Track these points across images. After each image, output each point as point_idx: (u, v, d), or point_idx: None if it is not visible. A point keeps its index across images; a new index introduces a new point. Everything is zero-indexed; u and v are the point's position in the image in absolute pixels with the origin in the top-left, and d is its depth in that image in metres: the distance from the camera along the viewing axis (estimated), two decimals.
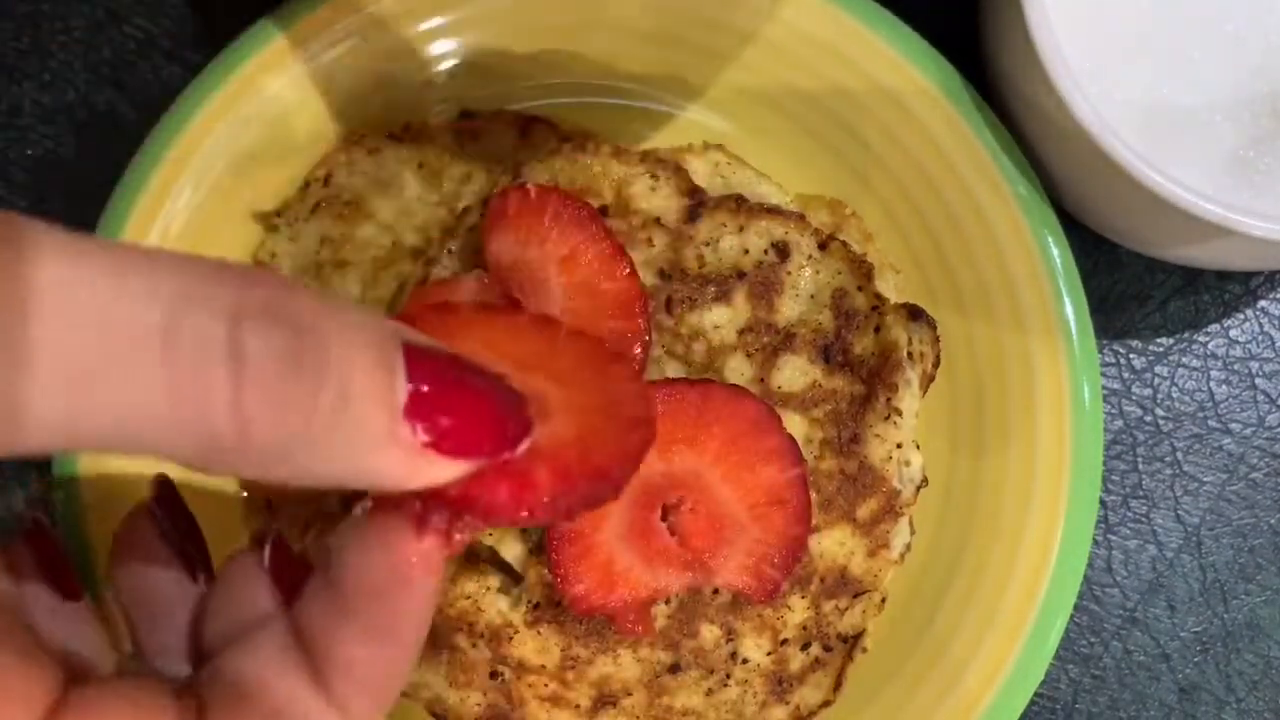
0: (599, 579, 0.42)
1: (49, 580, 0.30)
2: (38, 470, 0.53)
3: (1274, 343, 0.55)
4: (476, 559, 0.46)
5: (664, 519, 0.43)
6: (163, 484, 0.33)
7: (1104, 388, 0.54)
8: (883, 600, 0.48)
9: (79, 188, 0.54)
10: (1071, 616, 0.49)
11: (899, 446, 0.47)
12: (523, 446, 0.27)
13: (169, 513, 0.32)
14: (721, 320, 0.47)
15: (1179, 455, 0.54)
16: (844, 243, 0.48)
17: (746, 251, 0.47)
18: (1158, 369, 0.55)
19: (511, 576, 0.46)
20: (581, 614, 0.43)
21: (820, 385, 0.47)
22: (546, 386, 0.32)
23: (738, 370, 0.46)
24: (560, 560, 0.42)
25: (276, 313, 0.23)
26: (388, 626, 0.27)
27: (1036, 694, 0.49)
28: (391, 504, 0.28)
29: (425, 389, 0.25)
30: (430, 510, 0.27)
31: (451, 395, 0.26)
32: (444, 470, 0.26)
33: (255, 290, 0.23)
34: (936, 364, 0.48)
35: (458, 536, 0.28)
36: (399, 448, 0.25)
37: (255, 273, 0.24)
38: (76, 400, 0.22)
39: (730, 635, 0.46)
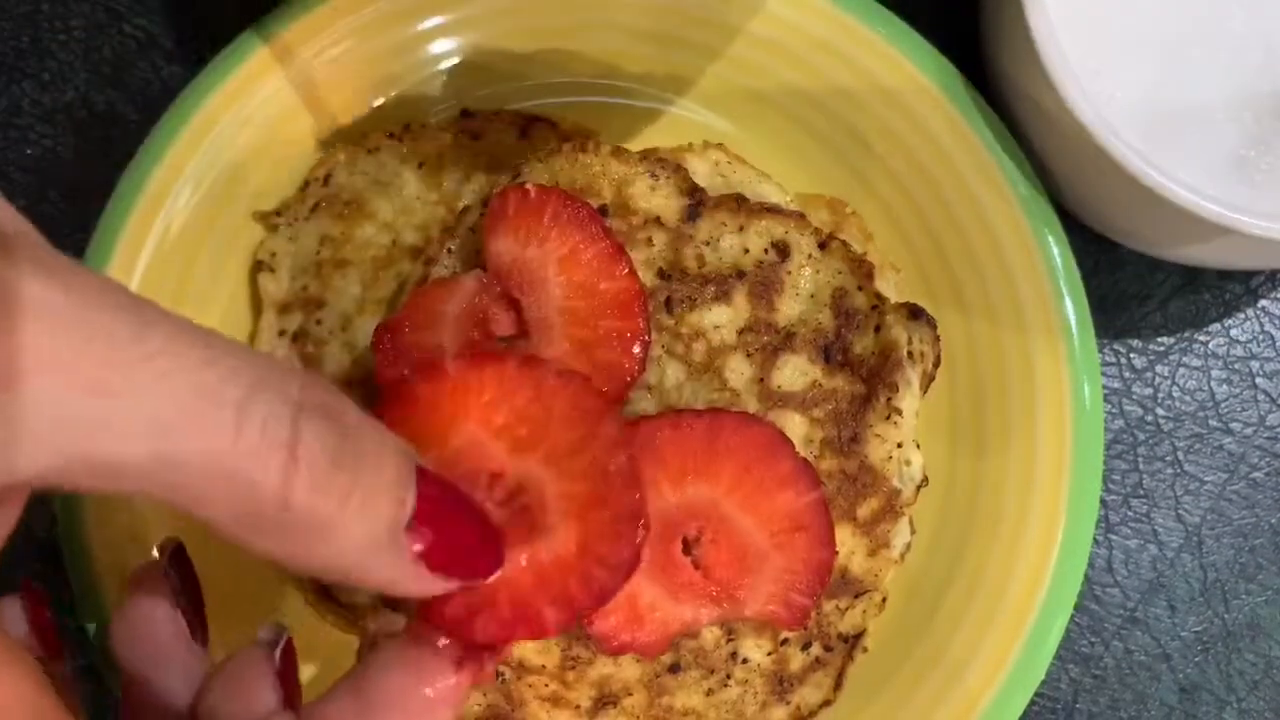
0: (625, 616, 0.42)
1: (38, 641, 0.33)
2: None
3: (1275, 342, 0.55)
4: None
5: (686, 552, 0.43)
6: (178, 548, 0.36)
7: (1105, 387, 0.54)
8: (883, 600, 0.48)
9: (79, 187, 0.54)
10: (1072, 616, 0.49)
11: (899, 446, 0.47)
12: (493, 577, 0.33)
13: (181, 576, 0.35)
14: (721, 320, 0.47)
15: (1180, 455, 0.54)
16: (844, 242, 0.48)
17: (746, 251, 0.47)
18: (1158, 368, 0.55)
19: None
20: (611, 653, 0.43)
21: (820, 385, 0.47)
22: (541, 475, 0.37)
23: (738, 370, 0.46)
24: None
25: (329, 413, 0.27)
26: None
27: (1037, 693, 0.49)
28: (429, 634, 0.32)
29: (424, 517, 0.30)
30: (468, 648, 0.32)
31: (445, 520, 0.31)
32: (430, 585, 0.31)
33: (315, 391, 0.27)
34: (937, 363, 0.48)
35: (488, 668, 0.32)
36: (398, 557, 0.29)
37: (314, 376, 0.28)
38: (156, 446, 0.25)
39: (730, 635, 0.46)
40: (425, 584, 0.30)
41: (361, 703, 0.31)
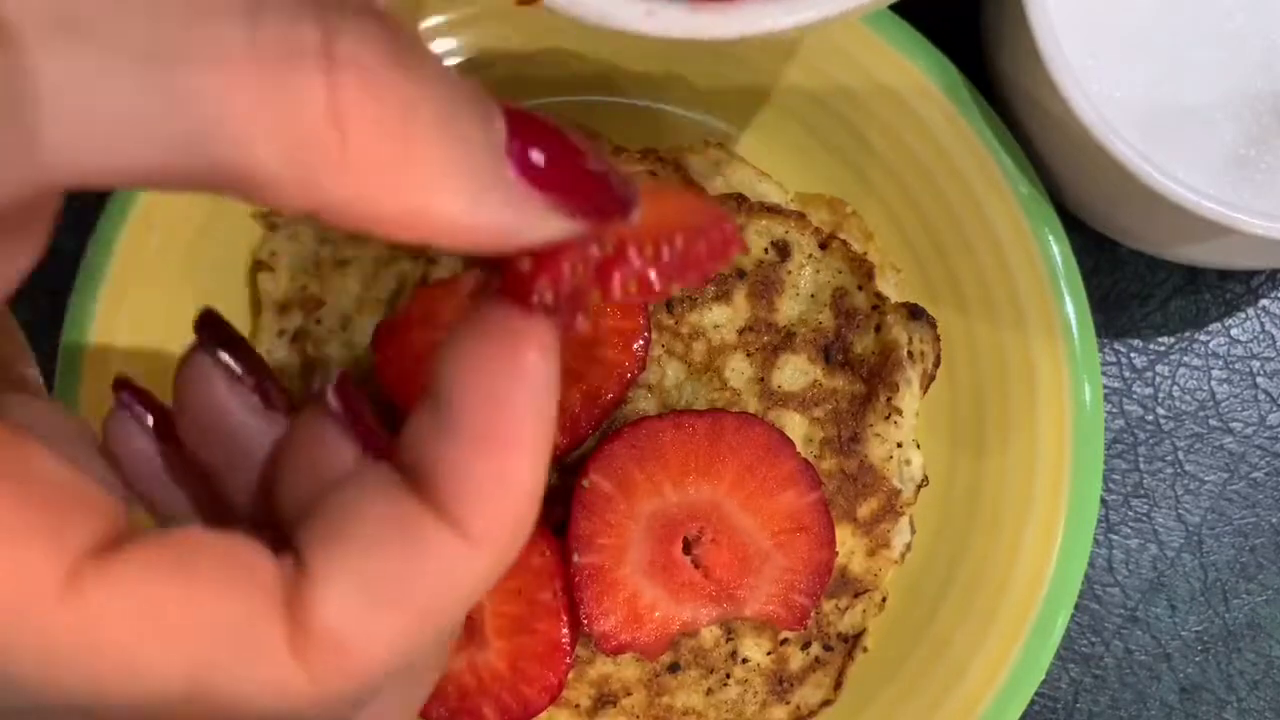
0: (625, 616, 0.42)
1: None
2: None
3: (1275, 342, 0.55)
4: None
5: (686, 552, 0.43)
6: (210, 314, 0.28)
7: (1105, 386, 0.53)
8: (883, 600, 0.48)
9: None
10: (1072, 616, 0.49)
11: (899, 446, 0.47)
12: (635, 215, 0.24)
13: (230, 346, 0.28)
14: (721, 319, 0.47)
15: (1180, 454, 0.54)
16: (844, 242, 0.48)
17: (747, 250, 0.47)
18: (1159, 368, 0.55)
19: None
20: (611, 652, 0.43)
21: (820, 384, 0.47)
22: None
23: (738, 370, 0.46)
24: (584, 598, 0.42)
25: (371, 13, 0.21)
26: (503, 430, 0.23)
27: (1037, 693, 0.49)
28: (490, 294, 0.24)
29: (523, 136, 0.22)
30: (534, 283, 0.23)
31: (550, 142, 0.23)
32: (552, 224, 0.22)
33: None
34: (937, 363, 0.48)
35: (579, 320, 0.24)
36: (503, 186, 0.22)
37: None
38: (160, 87, 0.19)
39: (730, 635, 0.46)
40: (547, 222, 0.22)
41: (437, 408, 0.23)
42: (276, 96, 0.19)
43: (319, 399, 0.26)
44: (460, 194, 0.21)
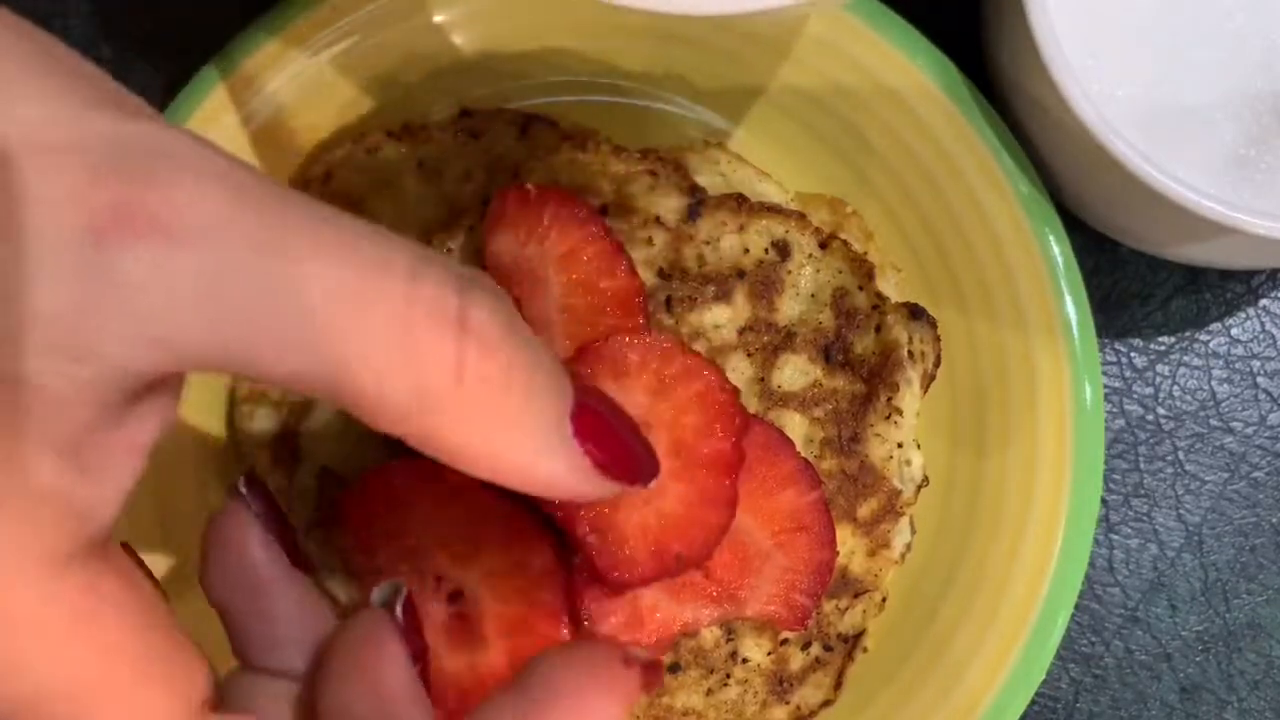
0: (626, 616, 0.42)
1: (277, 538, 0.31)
2: None
3: (1276, 341, 0.55)
4: None
5: None
6: (251, 474, 0.33)
7: (1105, 386, 0.53)
8: (883, 600, 0.48)
9: None
10: (1072, 616, 0.49)
11: (900, 446, 0.47)
12: (654, 483, 0.31)
13: (262, 503, 0.32)
14: (722, 319, 0.47)
15: (1180, 454, 0.54)
16: (845, 242, 0.48)
17: (747, 250, 0.47)
18: (1159, 368, 0.55)
19: None
20: None
21: (821, 384, 0.47)
22: (478, 589, 0.41)
23: (738, 370, 0.46)
24: (585, 599, 0.42)
25: (496, 293, 0.26)
26: None
27: (1037, 693, 0.49)
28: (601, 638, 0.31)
29: (585, 408, 0.28)
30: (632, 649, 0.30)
31: (604, 416, 0.29)
32: (598, 485, 0.29)
33: (469, 268, 0.26)
34: (937, 363, 0.48)
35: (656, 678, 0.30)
36: (565, 445, 0.27)
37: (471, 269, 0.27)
38: (329, 313, 0.23)
39: (730, 635, 0.46)
40: (593, 482, 0.28)
41: (526, 702, 0.28)
42: (418, 347, 0.24)
43: (385, 606, 0.30)
44: (530, 449, 0.27)
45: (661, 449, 0.40)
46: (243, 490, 0.31)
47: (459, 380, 0.25)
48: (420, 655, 0.30)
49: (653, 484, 0.31)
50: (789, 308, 0.47)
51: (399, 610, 0.30)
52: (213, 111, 0.49)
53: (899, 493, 0.47)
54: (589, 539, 0.40)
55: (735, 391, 0.41)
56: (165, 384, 0.24)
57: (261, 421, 0.49)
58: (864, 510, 0.46)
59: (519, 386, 0.26)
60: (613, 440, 0.29)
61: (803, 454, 0.44)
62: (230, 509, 0.31)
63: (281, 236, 0.23)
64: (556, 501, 0.31)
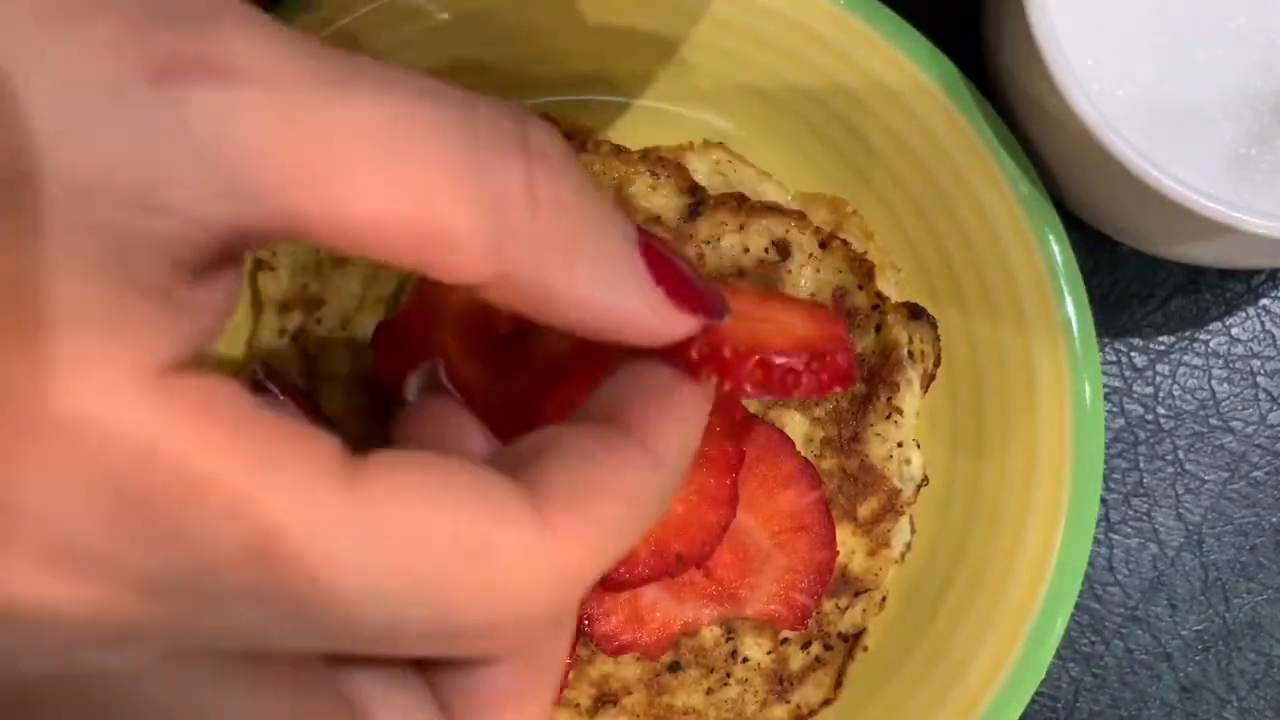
0: (626, 616, 0.42)
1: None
2: None
3: (1276, 341, 0.55)
4: None
5: None
6: (268, 366, 0.32)
7: (1105, 386, 0.53)
8: (883, 599, 0.48)
9: None
10: (1072, 615, 0.49)
11: (900, 445, 0.47)
12: (727, 318, 0.29)
13: (285, 390, 0.32)
14: None
15: (1180, 453, 0.54)
16: (845, 241, 0.48)
17: (747, 250, 0.47)
18: (1159, 367, 0.55)
19: None
20: (612, 653, 0.43)
21: None
22: None
23: None
24: (585, 599, 0.42)
25: (548, 126, 0.25)
26: (681, 385, 0.28)
27: (1037, 693, 0.49)
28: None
29: (650, 244, 0.27)
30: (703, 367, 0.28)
31: (667, 253, 0.28)
32: (678, 321, 0.27)
33: (515, 101, 0.25)
34: (937, 363, 0.48)
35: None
36: (639, 278, 0.26)
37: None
38: (391, 155, 0.22)
39: (730, 634, 0.46)
40: (674, 319, 0.27)
41: (633, 374, 0.28)
42: (486, 169, 0.23)
43: (427, 387, 0.30)
44: (612, 285, 0.26)
45: None
46: (263, 379, 0.30)
47: (534, 203, 0.24)
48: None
49: (726, 319, 0.29)
50: None
51: (446, 382, 0.30)
52: None
53: (899, 492, 0.47)
54: None
55: (733, 393, 0.41)
56: (231, 258, 0.23)
57: None
58: (864, 510, 0.46)
59: (592, 215, 0.25)
60: (678, 275, 0.27)
61: (803, 454, 0.44)
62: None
63: (341, 78, 0.22)
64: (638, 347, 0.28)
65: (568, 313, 0.25)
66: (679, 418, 0.28)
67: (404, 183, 0.22)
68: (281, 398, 0.30)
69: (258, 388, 0.30)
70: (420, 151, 0.22)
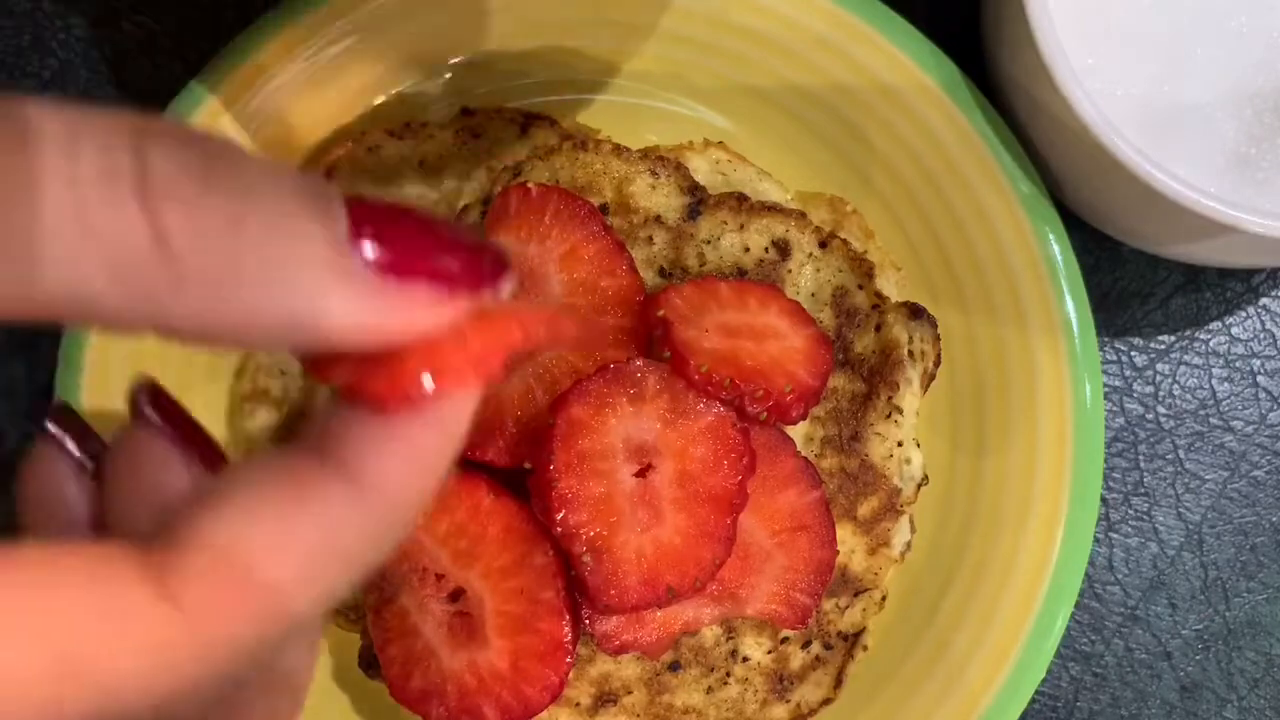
0: (627, 616, 0.42)
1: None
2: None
3: (1276, 340, 0.55)
4: None
5: None
6: (61, 407, 0.28)
7: (1105, 385, 0.53)
8: (883, 598, 0.48)
9: None
10: (1073, 614, 0.49)
11: (900, 444, 0.47)
12: (506, 286, 0.23)
13: (161, 410, 0.27)
14: None
15: (1180, 453, 0.54)
16: (845, 241, 0.48)
17: (747, 249, 0.47)
18: (1159, 366, 0.55)
19: None
20: (613, 653, 0.43)
21: None
22: (480, 588, 0.41)
23: None
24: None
25: (182, 139, 0.21)
26: (410, 402, 0.22)
27: (1038, 692, 0.49)
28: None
29: (369, 227, 0.22)
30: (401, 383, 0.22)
31: (402, 228, 0.22)
32: (416, 311, 0.22)
33: (157, 120, 0.21)
34: (937, 362, 0.48)
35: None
36: (350, 277, 0.21)
37: (151, 114, 0.21)
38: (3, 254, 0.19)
39: (730, 633, 0.46)
40: (404, 307, 0.22)
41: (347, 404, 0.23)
42: (100, 226, 0.20)
43: (136, 413, 0.25)
44: (305, 291, 0.21)
45: (667, 477, 0.41)
46: (51, 428, 0.27)
47: (165, 250, 0.20)
48: (203, 455, 0.25)
49: (505, 288, 0.23)
50: None
51: (146, 405, 0.25)
52: (213, 112, 0.49)
53: (899, 491, 0.47)
54: (584, 558, 0.40)
55: (746, 433, 0.42)
56: None
57: (262, 419, 0.49)
58: (864, 509, 0.46)
59: (254, 230, 0.20)
60: (425, 246, 0.22)
61: (803, 453, 0.44)
62: (39, 452, 0.27)
63: None
64: (369, 351, 0.22)
65: (267, 339, 0.21)
66: (406, 444, 0.22)
67: (22, 258, 0.20)
68: (159, 422, 0.27)
69: (136, 411, 0.27)
70: (25, 217, 0.19)
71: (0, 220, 0.19)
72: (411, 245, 0.22)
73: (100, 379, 0.47)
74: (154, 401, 0.26)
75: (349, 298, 0.21)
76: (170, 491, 0.25)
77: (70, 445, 0.27)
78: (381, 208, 0.22)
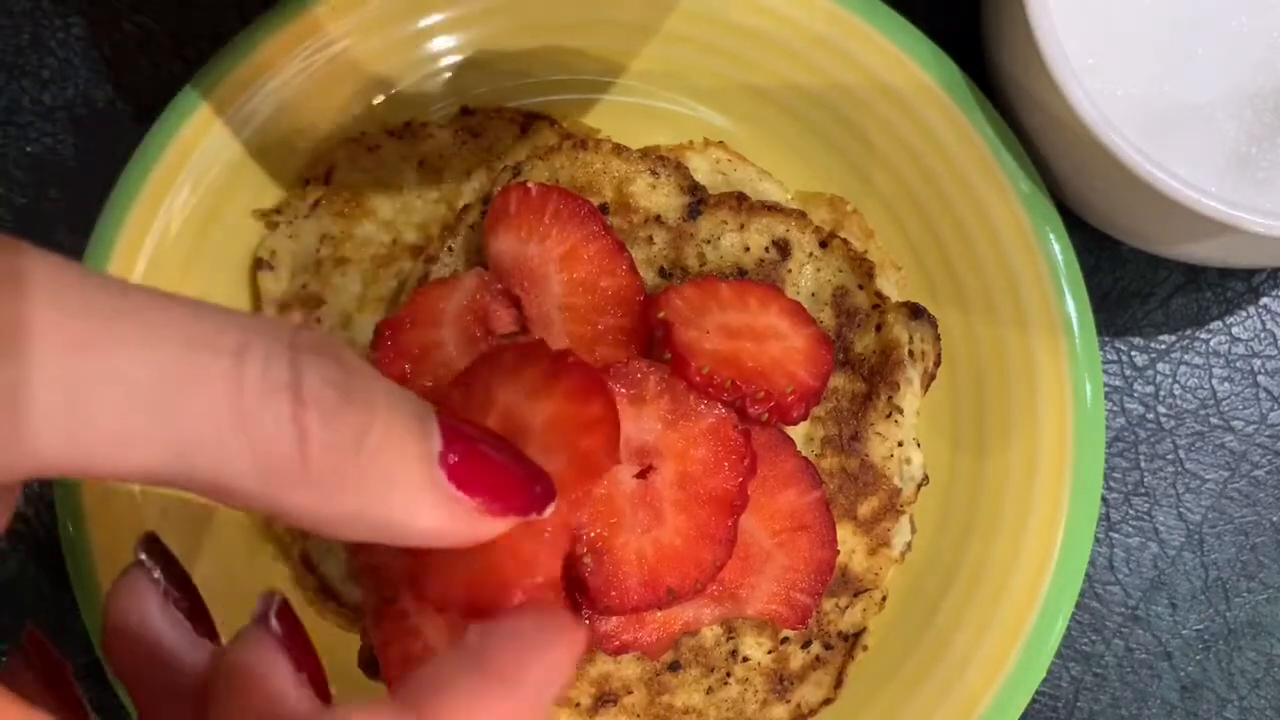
0: (627, 616, 0.42)
1: (53, 697, 0.29)
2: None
3: (1276, 340, 0.55)
4: None
5: None
6: (150, 537, 0.31)
7: (1106, 385, 0.53)
8: (883, 598, 0.48)
9: (78, 185, 0.54)
10: (1073, 614, 0.49)
11: (900, 444, 0.47)
12: (549, 510, 0.29)
13: (164, 566, 0.31)
14: None
15: (1181, 453, 0.54)
16: (845, 240, 0.48)
17: (747, 249, 0.47)
18: (1160, 366, 0.55)
19: None
20: (613, 653, 0.43)
21: None
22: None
23: None
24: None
25: (327, 352, 0.26)
26: (519, 670, 0.27)
27: (1038, 692, 0.49)
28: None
29: (456, 448, 0.27)
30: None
31: (479, 453, 0.28)
32: (480, 524, 0.27)
33: (308, 334, 0.26)
34: (938, 362, 0.48)
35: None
36: (437, 492, 0.26)
37: (305, 326, 0.26)
38: (156, 405, 0.23)
39: (730, 633, 0.46)
40: (476, 523, 0.27)
41: (468, 649, 0.27)
42: (254, 425, 0.24)
43: (261, 622, 0.29)
44: (400, 506, 0.26)
45: (667, 479, 0.41)
46: (143, 557, 0.30)
47: (304, 453, 0.24)
48: (306, 663, 0.29)
49: (548, 511, 0.29)
50: None
51: (274, 622, 0.29)
52: (213, 111, 0.49)
53: (899, 491, 0.47)
54: (584, 559, 0.40)
55: (747, 434, 0.42)
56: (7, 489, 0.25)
57: None
58: (864, 509, 0.46)
59: (373, 443, 0.25)
60: (494, 471, 0.28)
61: (803, 452, 0.44)
62: (130, 575, 0.30)
63: (98, 329, 0.23)
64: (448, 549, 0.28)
65: (363, 537, 0.26)
66: (546, 663, 0.27)
67: (168, 444, 0.23)
68: (157, 575, 0.30)
69: (140, 565, 0.30)
70: (183, 411, 0.23)
71: (167, 408, 0.23)
72: (482, 468, 0.27)
73: None
74: (280, 613, 0.29)
75: (434, 506, 0.26)
76: (283, 710, 0.28)
77: (158, 574, 0.30)
78: (465, 429, 0.28)
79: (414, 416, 0.26)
